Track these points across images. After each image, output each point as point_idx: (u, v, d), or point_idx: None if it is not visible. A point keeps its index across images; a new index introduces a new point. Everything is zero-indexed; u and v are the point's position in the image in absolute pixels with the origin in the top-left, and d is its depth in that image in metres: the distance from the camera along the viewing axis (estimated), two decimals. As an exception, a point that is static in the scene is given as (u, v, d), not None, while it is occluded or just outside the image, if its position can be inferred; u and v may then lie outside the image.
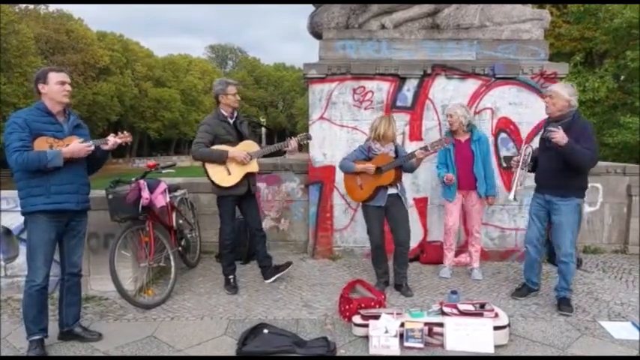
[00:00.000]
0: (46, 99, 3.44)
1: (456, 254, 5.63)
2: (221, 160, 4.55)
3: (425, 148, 4.50)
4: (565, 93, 4.07)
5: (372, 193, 4.60)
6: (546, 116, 4.34)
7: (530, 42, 5.92)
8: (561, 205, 4.17)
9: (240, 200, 4.79)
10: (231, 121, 4.70)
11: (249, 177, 4.67)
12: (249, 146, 4.64)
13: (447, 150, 5.02)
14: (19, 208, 3.51)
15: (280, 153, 4.94)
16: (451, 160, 5.06)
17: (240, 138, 4.69)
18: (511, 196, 4.34)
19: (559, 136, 3.85)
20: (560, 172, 4.11)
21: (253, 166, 4.65)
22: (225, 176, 4.58)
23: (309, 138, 4.90)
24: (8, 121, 3.40)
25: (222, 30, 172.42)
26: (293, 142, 4.76)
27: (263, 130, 35.32)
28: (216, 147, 4.55)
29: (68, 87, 3.50)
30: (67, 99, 3.50)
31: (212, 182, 4.63)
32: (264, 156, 4.93)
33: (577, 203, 4.19)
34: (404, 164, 4.59)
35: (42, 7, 41.05)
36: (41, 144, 3.34)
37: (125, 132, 3.87)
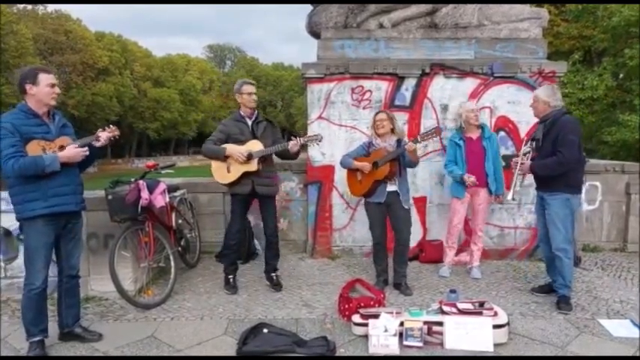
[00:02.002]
0: (31, 100, 3.34)
1: (456, 253, 5.64)
2: (219, 156, 4.56)
3: (415, 140, 4.47)
4: (542, 95, 4.32)
5: (370, 187, 4.61)
6: None
7: (529, 41, 5.92)
8: (550, 200, 4.28)
9: (260, 202, 4.78)
10: (249, 122, 4.68)
11: (252, 177, 4.58)
12: (253, 146, 4.57)
13: (457, 147, 5.05)
14: (14, 213, 3.44)
15: (288, 155, 4.75)
16: (462, 157, 5.04)
17: (255, 138, 4.64)
18: (509, 197, 4.42)
19: (524, 169, 4.36)
20: None
21: (251, 166, 4.54)
22: (225, 173, 4.60)
23: (319, 140, 4.67)
24: None
25: (220, 30, 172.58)
26: (293, 144, 4.59)
27: None
28: (224, 145, 4.57)
29: (57, 89, 3.42)
30: (55, 102, 3.42)
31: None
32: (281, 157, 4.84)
33: (566, 198, 4.23)
34: (403, 159, 4.56)
35: (40, 7, 41.05)
36: (34, 148, 3.27)
37: (111, 126, 3.78)
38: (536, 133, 4.43)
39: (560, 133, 4.12)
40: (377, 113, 4.78)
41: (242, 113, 4.70)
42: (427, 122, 5.86)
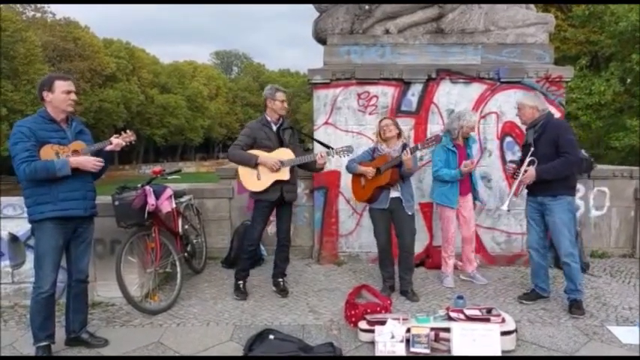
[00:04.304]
0: (49, 106, 3.44)
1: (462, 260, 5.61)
2: (250, 164, 4.55)
3: (415, 148, 4.45)
4: (529, 102, 4.39)
5: (372, 193, 4.61)
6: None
7: (535, 46, 5.92)
8: (553, 204, 4.24)
9: (278, 207, 4.78)
10: (274, 127, 4.68)
11: (282, 184, 4.59)
12: (283, 154, 4.58)
13: (449, 153, 4.98)
14: (27, 215, 3.52)
15: (312, 168, 4.75)
16: (455, 164, 4.97)
17: (281, 145, 4.65)
18: (505, 207, 4.39)
19: (529, 177, 4.21)
20: None
21: (283, 174, 4.55)
22: (255, 181, 4.58)
23: (350, 151, 4.66)
24: (13, 130, 3.40)
25: (226, 37, 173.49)
26: (320, 158, 4.57)
27: None
28: (251, 151, 4.57)
29: (73, 96, 3.50)
30: (72, 108, 3.50)
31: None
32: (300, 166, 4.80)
33: (568, 201, 4.26)
34: (403, 166, 4.51)
35: (49, 15, 41.43)
36: (47, 152, 3.35)
37: (128, 131, 3.85)
38: (526, 139, 4.44)
39: (561, 135, 4.16)
40: (382, 120, 4.78)
41: (268, 118, 4.70)
42: (433, 128, 5.85)
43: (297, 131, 4.93)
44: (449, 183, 4.97)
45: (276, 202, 4.67)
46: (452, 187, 4.98)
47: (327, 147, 4.81)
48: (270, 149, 4.59)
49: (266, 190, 4.58)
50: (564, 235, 4.22)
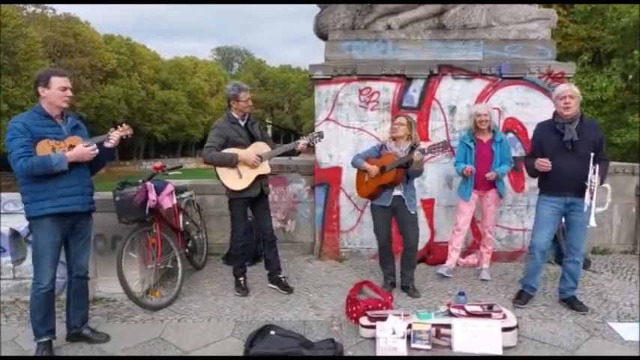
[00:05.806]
0: (44, 102, 3.40)
1: (464, 255, 5.61)
2: (232, 163, 4.52)
3: (422, 151, 4.38)
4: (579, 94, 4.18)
5: (374, 190, 4.60)
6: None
7: (537, 41, 5.89)
8: (580, 205, 4.00)
9: (252, 202, 4.77)
10: (242, 123, 4.68)
11: (261, 179, 4.63)
12: (260, 148, 4.61)
13: (467, 148, 5.00)
14: (24, 212, 3.48)
15: (292, 153, 4.85)
16: (471, 159, 4.99)
17: (253, 140, 4.66)
18: (593, 222, 3.96)
19: (597, 185, 3.93)
20: (583, 172, 3.94)
21: (264, 168, 4.61)
22: (237, 180, 4.55)
23: (321, 136, 4.77)
24: (8, 126, 3.35)
25: (227, 34, 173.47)
26: (302, 143, 4.68)
27: (269, 129, 35.40)
28: (226, 150, 4.54)
29: (69, 92, 3.46)
30: (67, 104, 3.46)
31: (224, 185, 4.63)
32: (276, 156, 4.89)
33: None
34: (410, 167, 4.47)
35: (50, 10, 41.40)
36: (43, 147, 3.32)
37: (124, 125, 3.79)
38: (569, 134, 4.04)
39: (602, 138, 4.10)
40: (397, 116, 4.79)
41: (235, 115, 4.68)
42: (435, 124, 5.84)
43: (259, 123, 4.98)
44: (464, 177, 4.99)
45: (255, 197, 4.68)
46: (465, 181, 5.03)
47: (298, 135, 4.85)
48: (244, 146, 4.58)
49: (248, 187, 4.58)
50: (586, 235, 4.20)
